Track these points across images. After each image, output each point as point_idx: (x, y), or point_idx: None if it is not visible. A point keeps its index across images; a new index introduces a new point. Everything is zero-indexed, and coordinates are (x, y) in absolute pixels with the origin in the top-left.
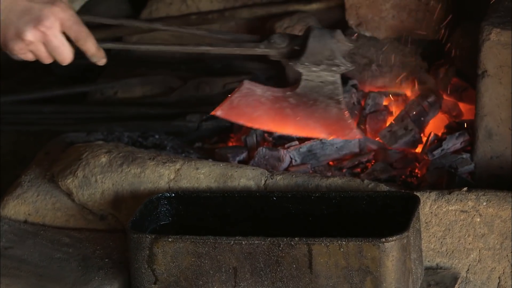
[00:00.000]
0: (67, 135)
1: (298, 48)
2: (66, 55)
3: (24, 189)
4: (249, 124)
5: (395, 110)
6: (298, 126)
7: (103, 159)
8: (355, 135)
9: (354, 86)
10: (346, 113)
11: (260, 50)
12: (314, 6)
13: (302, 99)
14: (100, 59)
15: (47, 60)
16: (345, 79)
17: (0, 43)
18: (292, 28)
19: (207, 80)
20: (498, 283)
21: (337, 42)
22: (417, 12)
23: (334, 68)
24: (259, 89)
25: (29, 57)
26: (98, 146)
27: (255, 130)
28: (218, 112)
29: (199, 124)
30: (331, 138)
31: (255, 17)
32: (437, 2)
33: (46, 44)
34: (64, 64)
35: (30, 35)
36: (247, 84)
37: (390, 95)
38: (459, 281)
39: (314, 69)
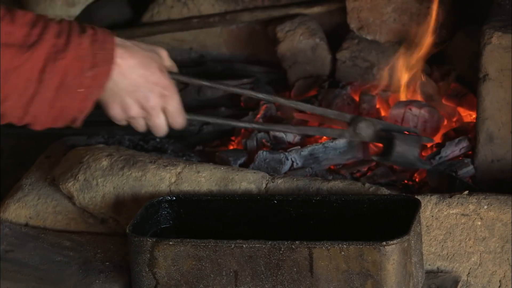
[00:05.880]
0: (68, 139)
1: (382, 142)
2: (162, 132)
3: (25, 192)
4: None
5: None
6: None
7: (104, 163)
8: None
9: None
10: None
11: (344, 138)
12: (316, 10)
13: None
14: None
15: (142, 130)
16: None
17: (101, 102)
18: (294, 32)
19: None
20: (499, 286)
21: (418, 149)
22: (418, 16)
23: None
24: None
25: (124, 123)
26: (99, 149)
27: (256, 133)
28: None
29: (199, 128)
30: None
31: (257, 20)
32: (438, 6)
33: (146, 120)
34: (157, 136)
35: (134, 112)
36: None
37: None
38: (460, 284)
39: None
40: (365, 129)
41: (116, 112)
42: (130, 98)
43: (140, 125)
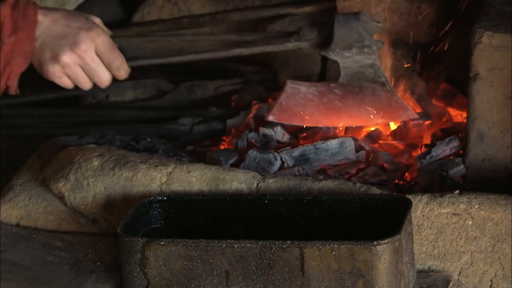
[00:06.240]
0: (59, 139)
1: (327, 37)
2: (104, 77)
3: (16, 192)
4: (304, 124)
5: None
6: (352, 117)
7: (95, 163)
8: (410, 115)
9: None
10: (395, 94)
11: (291, 44)
12: (306, 9)
13: (347, 88)
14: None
15: (85, 84)
16: None
17: (36, 66)
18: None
19: (199, 83)
20: (490, 285)
21: (363, 24)
22: (408, 15)
23: (366, 50)
24: (303, 87)
25: (66, 81)
26: (90, 149)
27: (246, 133)
28: (270, 117)
29: (190, 128)
30: (387, 122)
31: (247, 20)
32: (428, 6)
33: (83, 67)
34: (103, 87)
35: (66, 57)
36: (291, 84)
37: None
38: (451, 284)
39: (346, 54)
40: (309, 34)
41: (50, 66)
42: (58, 45)
43: (80, 76)
